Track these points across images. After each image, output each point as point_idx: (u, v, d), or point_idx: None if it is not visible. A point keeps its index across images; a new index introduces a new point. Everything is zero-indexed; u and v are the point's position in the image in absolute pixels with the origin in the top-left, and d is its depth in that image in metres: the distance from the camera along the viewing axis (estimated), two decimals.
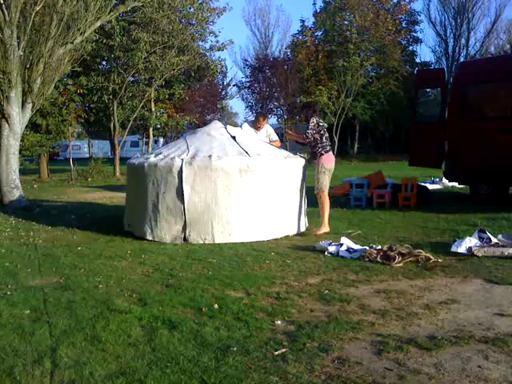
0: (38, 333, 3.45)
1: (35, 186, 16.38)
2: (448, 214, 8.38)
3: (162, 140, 32.65)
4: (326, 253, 5.70)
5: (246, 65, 37.71)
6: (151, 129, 21.83)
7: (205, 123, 15.63)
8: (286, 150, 7.95)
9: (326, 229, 7.13)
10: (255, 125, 8.20)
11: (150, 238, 6.74)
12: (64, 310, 3.91)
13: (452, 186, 12.60)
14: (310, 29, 34.04)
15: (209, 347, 3.17)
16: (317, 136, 7.21)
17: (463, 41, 39.79)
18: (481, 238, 5.82)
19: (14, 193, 10.34)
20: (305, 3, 74.34)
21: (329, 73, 30.62)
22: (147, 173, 6.78)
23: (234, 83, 33.77)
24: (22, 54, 10.14)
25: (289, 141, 12.50)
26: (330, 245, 5.83)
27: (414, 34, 36.76)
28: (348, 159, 30.85)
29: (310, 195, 7.62)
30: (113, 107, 19.87)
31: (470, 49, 39.75)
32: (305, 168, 7.35)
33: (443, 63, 39.29)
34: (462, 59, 37.84)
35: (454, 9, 39.70)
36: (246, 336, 3.35)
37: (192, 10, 19.73)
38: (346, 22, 32.17)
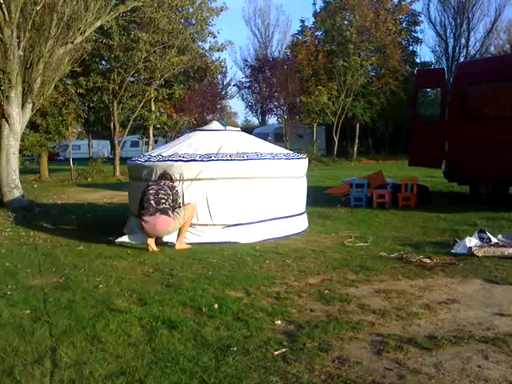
0: (37, 333, 3.45)
1: (35, 185, 16.37)
2: (448, 213, 8.38)
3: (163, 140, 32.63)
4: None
5: (246, 65, 37.77)
6: (151, 129, 21.80)
7: (204, 123, 15.61)
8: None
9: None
10: None
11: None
12: (64, 310, 3.91)
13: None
14: (310, 29, 34.03)
15: (209, 347, 3.17)
16: None
17: (463, 41, 39.80)
18: (481, 238, 5.82)
19: (14, 193, 10.33)
20: (305, 3, 74.24)
21: (329, 73, 30.60)
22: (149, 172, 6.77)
23: (233, 83, 33.78)
24: (22, 53, 10.13)
25: (289, 140, 12.41)
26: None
27: (414, 34, 36.78)
28: (348, 159, 30.85)
29: (311, 195, 7.62)
30: (113, 107, 19.85)
31: (470, 49, 39.76)
32: (305, 168, 7.34)
33: (443, 63, 39.28)
34: (462, 59, 37.83)
35: (453, 9, 39.68)
36: (246, 336, 3.35)
37: (191, 10, 19.72)
38: (346, 22, 32.14)
